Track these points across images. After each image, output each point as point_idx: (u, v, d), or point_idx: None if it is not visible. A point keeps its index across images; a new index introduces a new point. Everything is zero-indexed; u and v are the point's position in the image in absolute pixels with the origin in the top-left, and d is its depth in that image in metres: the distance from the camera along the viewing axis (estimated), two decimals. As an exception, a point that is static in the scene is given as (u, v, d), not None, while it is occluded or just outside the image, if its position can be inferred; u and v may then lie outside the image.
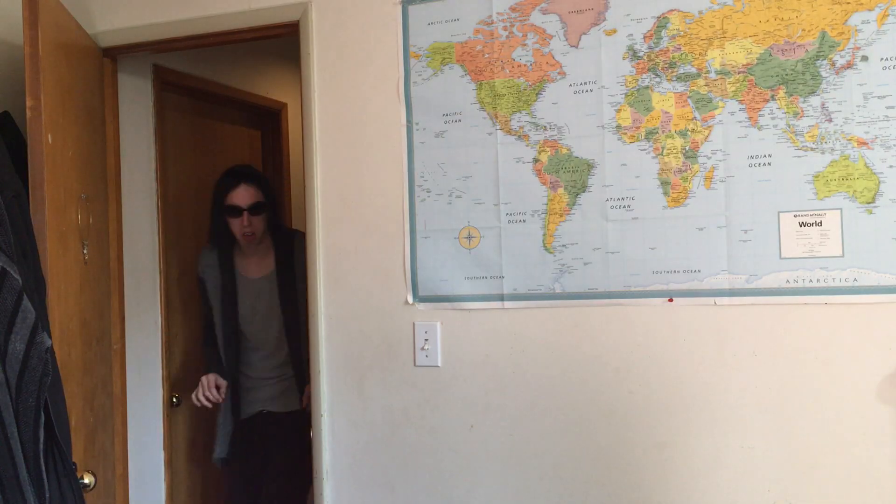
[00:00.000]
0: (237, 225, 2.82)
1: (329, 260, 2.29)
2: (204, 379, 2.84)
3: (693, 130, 1.97)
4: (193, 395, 2.83)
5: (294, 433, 2.94)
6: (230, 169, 2.92)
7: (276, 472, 2.96)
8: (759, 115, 1.91)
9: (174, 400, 2.90)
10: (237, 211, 2.81)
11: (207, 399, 2.82)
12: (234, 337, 2.92)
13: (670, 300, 1.99)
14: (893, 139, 1.83)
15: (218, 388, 2.84)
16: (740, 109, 1.93)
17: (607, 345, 2.04)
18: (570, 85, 2.07)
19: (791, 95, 1.89)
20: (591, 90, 2.05)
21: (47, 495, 1.67)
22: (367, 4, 2.25)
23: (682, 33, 1.97)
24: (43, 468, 1.66)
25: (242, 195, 2.81)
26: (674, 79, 1.98)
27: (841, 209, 1.86)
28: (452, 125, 2.17)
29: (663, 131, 1.99)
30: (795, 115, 1.89)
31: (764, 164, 1.92)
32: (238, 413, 2.95)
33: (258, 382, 2.96)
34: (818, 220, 1.88)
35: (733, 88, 1.93)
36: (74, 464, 1.80)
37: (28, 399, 1.63)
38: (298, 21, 2.32)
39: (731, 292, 1.94)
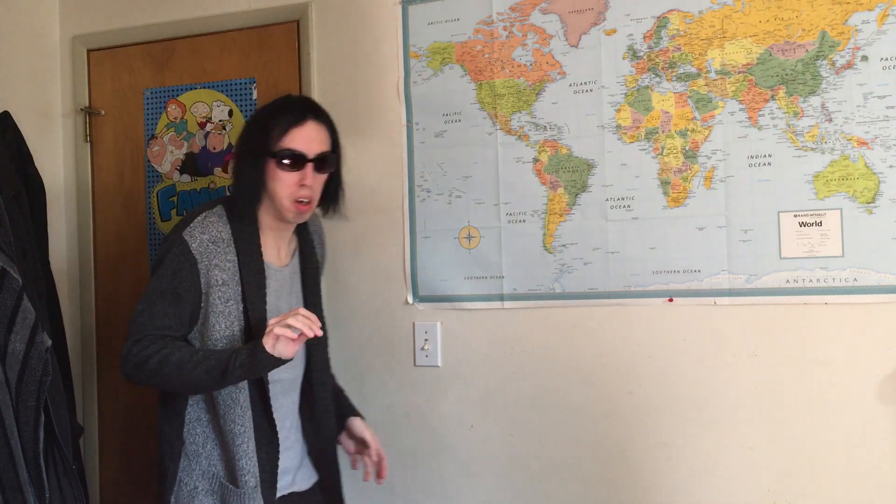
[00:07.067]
0: (290, 184, 1.74)
1: (329, 260, 2.29)
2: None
3: (693, 130, 1.96)
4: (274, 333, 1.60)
5: None
6: (284, 98, 1.86)
7: None
8: (759, 115, 1.91)
9: None
10: (297, 161, 1.74)
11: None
12: None
13: (670, 300, 1.98)
14: (893, 139, 1.82)
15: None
16: (740, 109, 1.93)
17: (607, 345, 2.04)
18: (570, 85, 2.06)
19: (791, 95, 1.89)
20: (591, 90, 2.05)
21: (47, 495, 1.67)
22: (367, 4, 2.25)
23: (682, 33, 1.97)
24: (43, 468, 1.66)
25: (309, 137, 1.76)
26: (674, 79, 1.98)
27: (841, 209, 1.86)
28: (452, 125, 2.17)
29: (663, 131, 1.99)
30: (795, 115, 1.89)
31: (764, 164, 1.92)
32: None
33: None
34: (818, 220, 1.88)
35: (733, 88, 1.93)
36: (75, 464, 1.80)
37: (28, 399, 1.63)
38: (298, 21, 2.33)
39: (731, 292, 1.93)
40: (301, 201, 1.75)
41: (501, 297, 2.13)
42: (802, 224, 1.89)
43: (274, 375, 1.74)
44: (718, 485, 1.95)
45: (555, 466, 2.09)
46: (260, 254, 1.77)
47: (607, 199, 2.03)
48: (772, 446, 1.91)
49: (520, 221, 2.11)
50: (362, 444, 1.91)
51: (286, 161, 1.73)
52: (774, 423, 1.91)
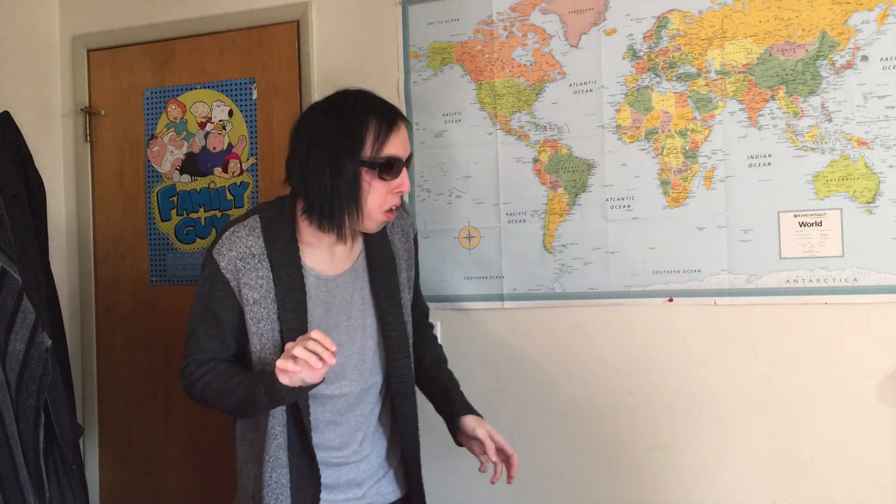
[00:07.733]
0: (385, 192, 1.59)
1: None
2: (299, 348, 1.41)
3: (693, 130, 1.97)
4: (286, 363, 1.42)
5: None
6: (364, 95, 1.63)
7: None
8: (759, 115, 1.91)
9: None
10: (398, 168, 1.59)
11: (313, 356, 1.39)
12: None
13: (670, 300, 1.98)
14: (893, 139, 1.83)
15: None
16: (740, 109, 1.93)
17: (607, 345, 2.04)
18: (570, 85, 2.06)
19: (791, 95, 1.89)
20: (590, 90, 2.05)
21: (47, 495, 1.67)
22: (367, 4, 2.25)
23: (682, 33, 1.97)
24: (43, 468, 1.66)
25: (403, 141, 1.60)
26: (674, 79, 1.98)
27: (841, 209, 1.86)
28: (452, 125, 2.17)
29: (663, 131, 1.99)
30: (795, 114, 1.89)
31: (764, 164, 1.92)
32: None
33: (337, 456, 1.66)
34: (818, 220, 1.88)
35: (733, 88, 1.93)
36: (75, 464, 1.80)
37: (28, 399, 1.63)
38: (298, 21, 2.33)
39: (731, 292, 1.93)
40: (391, 209, 1.60)
41: (501, 297, 2.13)
42: (802, 224, 1.89)
43: (334, 391, 1.62)
44: (718, 485, 1.95)
45: (555, 466, 2.09)
46: (298, 266, 1.59)
47: (607, 199, 2.03)
48: (772, 446, 1.91)
49: (520, 221, 2.11)
50: (482, 443, 1.69)
51: (389, 169, 1.56)
52: (774, 423, 1.91)
